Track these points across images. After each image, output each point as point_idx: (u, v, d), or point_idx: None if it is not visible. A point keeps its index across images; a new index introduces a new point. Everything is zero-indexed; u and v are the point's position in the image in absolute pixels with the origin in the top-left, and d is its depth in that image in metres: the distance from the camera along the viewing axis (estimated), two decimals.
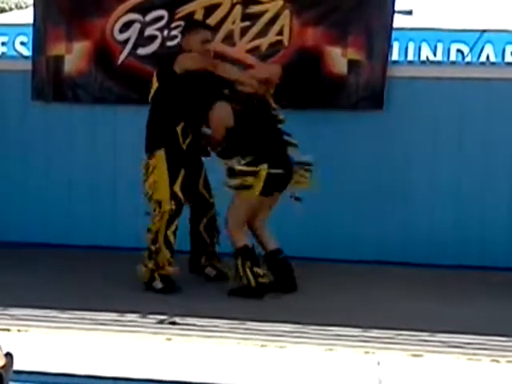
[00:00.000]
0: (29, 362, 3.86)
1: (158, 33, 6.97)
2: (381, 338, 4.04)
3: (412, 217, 6.73)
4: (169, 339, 3.94)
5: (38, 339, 3.99)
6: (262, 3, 6.81)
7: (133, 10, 7.00)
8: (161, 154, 5.58)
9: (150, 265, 5.44)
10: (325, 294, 5.45)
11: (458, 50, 6.78)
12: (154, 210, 5.59)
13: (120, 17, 7.02)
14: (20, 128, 7.21)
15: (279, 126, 5.64)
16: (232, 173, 5.42)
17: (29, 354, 3.89)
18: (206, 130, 5.75)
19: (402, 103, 6.70)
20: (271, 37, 6.75)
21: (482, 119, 6.65)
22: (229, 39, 6.87)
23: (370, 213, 6.75)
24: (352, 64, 6.71)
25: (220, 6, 6.86)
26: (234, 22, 6.86)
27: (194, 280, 5.73)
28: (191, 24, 6.20)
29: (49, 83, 7.14)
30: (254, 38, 6.83)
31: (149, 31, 6.98)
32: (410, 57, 6.84)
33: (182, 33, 5.99)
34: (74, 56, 7.08)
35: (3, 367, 2.27)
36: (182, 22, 6.91)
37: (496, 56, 6.71)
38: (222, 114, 5.54)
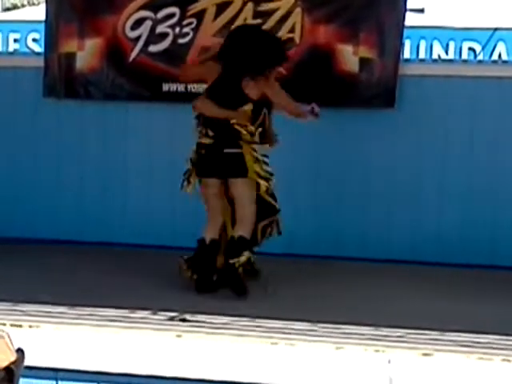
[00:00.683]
0: (40, 357, 3.88)
1: (169, 30, 6.97)
2: (391, 337, 4.03)
3: (422, 216, 6.72)
4: (179, 336, 3.95)
5: (48, 335, 4.00)
6: (273, 1, 6.80)
7: (144, 7, 7.00)
8: None
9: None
10: (335, 293, 5.45)
11: (470, 49, 6.75)
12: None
13: (132, 14, 7.03)
14: (32, 124, 7.23)
15: None
16: None
17: (40, 350, 3.91)
18: None
19: (413, 101, 6.68)
20: (283, 34, 6.73)
21: (494, 118, 6.63)
22: None
23: (380, 212, 6.74)
24: (363, 62, 6.70)
25: (231, 4, 6.86)
26: (245, 20, 6.86)
27: None
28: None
29: (60, 80, 7.16)
30: None
31: (160, 28, 6.99)
32: (422, 55, 6.81)
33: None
34: (86, 53, 7.09)
35: (14, 363, 2.28)
36: (193, 20, 6.92)
37: (508, 54, 6.68)
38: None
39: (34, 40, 7.31)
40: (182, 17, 6.94)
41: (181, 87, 6.95)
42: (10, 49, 7.31)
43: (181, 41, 6.95)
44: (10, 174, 7.22)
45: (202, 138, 5.69)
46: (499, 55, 6.70)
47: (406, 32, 6.67)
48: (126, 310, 4.40)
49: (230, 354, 3.85)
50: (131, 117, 7.10)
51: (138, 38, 7.01)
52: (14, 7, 10.44)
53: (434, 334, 4.11)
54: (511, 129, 6.61)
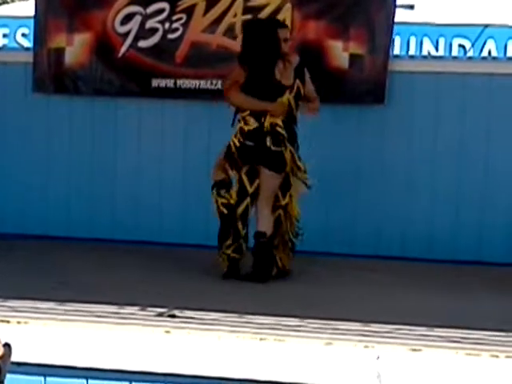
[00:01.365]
0: (28, 353, 3.86)
1: (159, 25, 6.96)
2: (380, 333, 4.04)
3: (412, 212, 6.72)
4: (167, 332, 3.94)
5: (37, 331, 3.98)
6: None
7: (134, 2, 6.99)
8: None
9: None
10: (323, 289, 5.45)
11: (460, 45, 6.77)
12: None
13: (121, 9, 7.01)
14: (21, 120, 7.20)
15: None
16: None
17: (28, 346, 3.89)
18: None
19: (403, 98, 6.69)
20: None
21: (484, 114, 6.64)
22: (230, 32, 6.86)
23: (370, 208, 6.75)
24: (353, 58, 6.70)
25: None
26: (235, 16, 6.85)
27: (193, 273, 5.74)
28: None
29: (50, 75, 7.14)
30: None
31: (150, 24, 6.97)
32: (412, 51, 6.82)
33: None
34: (75, 48, 7.07)
35: (1, 357, 2.27)
36: (183, 15, 6.91)
37: (498, 51, 6.70)
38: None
39: (23, 35, 7.28)
40: (172, 12, 6.93)
41: (170, 83, 6.94)
42: None
43: (170, 36, 6.94)
44: None
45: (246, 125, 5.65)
46: (489, 52, 6.71)
47: (395, 28, 6.68)
48: (115, 306, 4.39)
49: (218, 350, 3.84)
50: (120, 112, 7.09)
51: (127, 34, 7.00)
52: (3, 2, 10.40)
53: (423, 330, 4.11)
54: (501, 125, 6.63)
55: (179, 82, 6.92)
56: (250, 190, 5.66)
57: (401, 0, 6.80)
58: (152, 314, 4.29)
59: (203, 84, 6.88)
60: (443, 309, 4.89)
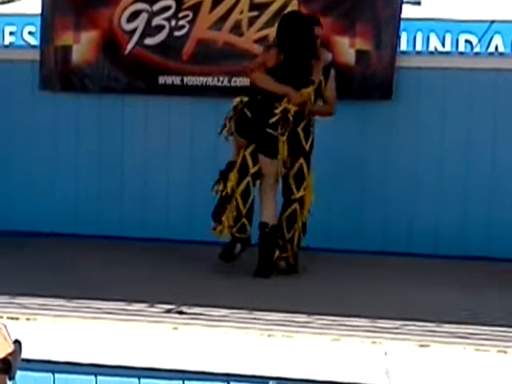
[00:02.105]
0: (37, 350, 3.88)
1: (165, 22, 6.96)
2: (388, 329, 4.04)
3: (419, 208, 6.72)
4: (175, 328, 3.94)
5: (46, 328, 4.00)
6: None
7: None
8: None
9: None
10: (330, 285, 5.45)
11: (467, 41, 6.76)
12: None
13: (127, 6, 7.02)
14: (28, 118, 7.22)
15: None
16: None
17: (37, 343, 3.91)
18: None
19: (410, 94, 6.68)
20: None
21: (491, 110, 6.63)
22: (236, 29, 6.87)
23: (376, 203, 6.75)
24: (360, 54, 6.70)
25: None
26: (241, 12, 6.85)
27: (201, 270, 5.74)
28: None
29: (57, 73, 7.15)
30: (261, 28, 6.82)
31: (156, 21, 6.98)
32: (419, 47, 6.81)
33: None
34: (82, 46, 7.08)
35: (12, 354, 2.27)
36: (189, 12, 6.91)
37: (505, 47, 6.69)
38: None
39: (30, 33, 7.29)
40: (178, 9, 6.93)
41: (177, 80, 6.95)
42: (6, 42, 7.31)
43: (177, 33, 6.94)
44: (6, 167, 7.21)
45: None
46: (496, 47, 6.70)
47: (402, 24, 6.67)
48: (123, 303, 4.40)
49: (226, 347, 3.85)
50: (127, 109, 7.09)
51: (133, 31, 7.01)
52: (10, 0, 10.40)
53: (431, 326, 4.11)
54: (508, 120, 6.62)
55: (186, 79, 6.92)
56: (252, 169, 5.65)
57: None
58: (160, 310, 4.30)
59: (210, 81, 6.89)
60: (451, 304, 4.88)
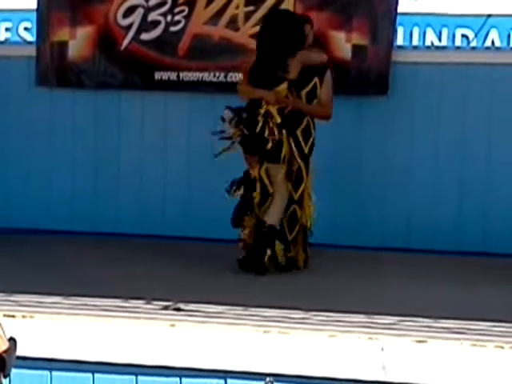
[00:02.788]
0: (34, 348, 3.88)
1: (161, 18, 6.95)
2: (384, 324, 4.04)
3: (415, 203, 6.72)
4: (173, 325, 3.94)
5: (42, 325, 4.00)
6: None
7: None
8: None
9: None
10: (327, 281, 5.46)
11: (463, 35, 6.75)
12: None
13: (123, 2, 7.01)
14: (24, 114, 7.21)
15: None
16: None
17: (33, 341, 3.91)
18: None
19: (406, 88, 6.67)
20: None
21: (487, 104, 6.63)
22: (232, 24, 6.86)
23: (373, 198, 6.75)
24: (356, 49, 6.69)
25: None
26: (237, 7, 6.84)
27: (198, 266, 5.74)
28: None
29: (53, 69, 7.14)
30: (257, 23, 6.78)
31: (152, 16, 6.97)
32: (415, 42, 6.81)
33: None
34: (78, 41, 7.07)
35: (6, 351, 2.28)
36: (185, 7, 6.90)
37: (501, 41, 6.68)
38: None
39: (26, 29, 7.28)
40: (174, 4, 6.92)
41: (173, 76, 6.94)
42: (2, 38, 7.30)
43: (173, 29, 6.93)
44: (2, 163, 7.20)
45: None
46: (492, 42, 6.69)
47: (398, 19, 6.66)
48: (120, 300, 4.40)
49: (223, 343, 3.85)
50: (124, 105, 7.09)
51: (129, 26, 7.00)
52: None
53: (428, 322, 4.11)
54: (504, 115, 6.61)
55: (182, 74, 6.91)
56: (271, 190, 5.65)
57: None
58: (157, 307, 4.30)
59: (206, 76, 6.88)
60: (448, 300, 4.89)
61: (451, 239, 6.59)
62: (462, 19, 6.72)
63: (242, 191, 5.66)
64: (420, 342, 3.77)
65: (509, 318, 4.21)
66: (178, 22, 6.90)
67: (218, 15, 6.86)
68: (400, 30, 6.77)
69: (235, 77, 6.72)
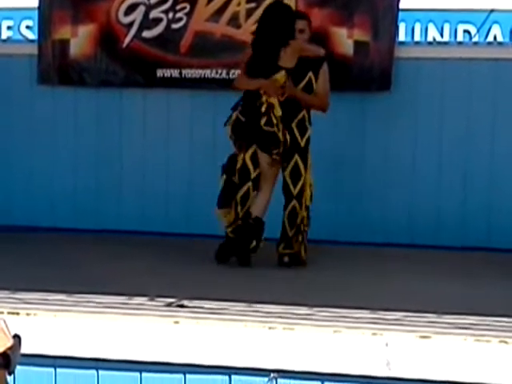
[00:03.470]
0: (38, 345, 3.88)
1: (163, 15, 6.95)
2: (389, 320, 4.04)
3: (419, 199, 6.71)
4: (176, 322, 3.94)
5: (46, 323, 4.00)
6: None
7: None
8: None
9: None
10: (331, 277, 5.45)
11: (465, 31, 6.74)
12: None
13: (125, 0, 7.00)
14: (26, 112, 7.20)
15: None
16: None
17: (38, 338, 3.91)
18: None
19: (408, 84, 6.67)
20: None
21: (489, 100, 6.62)
22: (234, 21, 6.85)
23: (376, 194, 6.74)
24: (358, 45, 6.68)
25: None
26: (239, 4, 6.84)
27: (201, 263, 5.74)
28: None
29: (54, 67, 7.14)
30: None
31: (154, 14, 6.96)
32: (417, 38, 6.80)
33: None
34: (80, 39, 7.07)
35: (11, 348, 2.27)
36: (186, 5, 6.90)
37: (503, 36, 6.67)
38: None
39: (28, 27, 7.28)
40: (176, 2, 6.92)
41: (175, 73, 6.94)
42: (4, 36, 7.29)
43: (174, 26, 6.93)
44: (5, 161, 7.20)
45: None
46: (494, 37, 6.68)
47: (400, 15, 6.65)
48: (124, 297, 4.39)
49: (227, 340, 3.85)
50: (125, 103, 7.09)
51: (131, 24, 6.99)
52: None
53: (432, 317, 4.11)
54: (507, 110, 6.60)
55: (184, 71, 6.91)
56: (253, 174, 5.66)
57: None
58: (161, 304, 4.29)
59: (208, 73, 6.87)
60: (452, 295, 4.88)
61: (455, 234, 6.59)
62: (464, 14, 6.71)
63: (224, 176, 5.68)
64: (424, 337, 3.76)
65: None
66: (180, 19, 6.90)
67: (219, 12, 6.86)
68: (402, 26, 6.76)
69: (237, 74, 6.71)
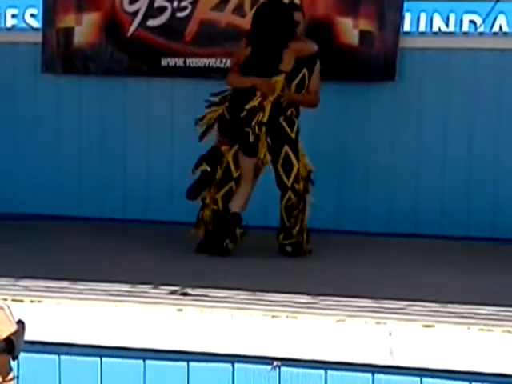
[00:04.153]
0: (42, 332, 3.89)
1: (167, 4, 6.93)
2: (392, 309, 4.04)
3: (424, 189, 6.71)
4: (180, 310, 3.95)
5: (50, 310, 4.01)
6: None
7: None
8: None
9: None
10: (335, 266, 5.46)
11: (471, 21, 6.72)
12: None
13: None
14: (30, 100, 7.21)
15: None
16: None
17: (41, 325, 3.92)
18: None
19: (414, 74, 6.65)
20: None
21: (495, 90, 6.60)
22: (239, 10, 6.83)
23: (381, 185, 6.74)
24: (363, 35, 6.67)
25: None
26: None
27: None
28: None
29: (59, 55, 7.13)
30: None
31: (158, 2, 6.95)
32: (422, 28, 6.78)
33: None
34: (84, 28, 7.06)
35: (14, 334, 2.28)
36: None
37: (509, 26, 6.65)
38: None
39: (32, 15, 7.27)
40: None
41: (179, 62, 6.93)
42: (8, 24, 7.28)
43: (179, 14, 6.91)
44: (10, 150, 7.21)
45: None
46: (500, 27, 6.66)
47: (406, 5, 6.63)
48: (127, 285, 4.40)
49: (231, 328, 3.86)
50: (130, 91, 7.08)
51: (136, 12, 6.98)
52: None
53: (435, 306, 4.11)
54: None
55: (189, 60, 6.90)
56: (235, 174, 5.67)
57: None
58: (164, 292, 4.30)
59: (213, 62, 6.86)
60: (455, 285, 4.89)
61: (459, 224, 6.59)
62: (469, 4, 6.68)
63: (205, 166, 5.68)
64: (428, 326, 3.77)
65: None
66: (185, 7, 6.88)
67: (224, 1, 6.84)
68: (407, 16, 6.74)
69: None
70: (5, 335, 2.27)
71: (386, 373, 3.73)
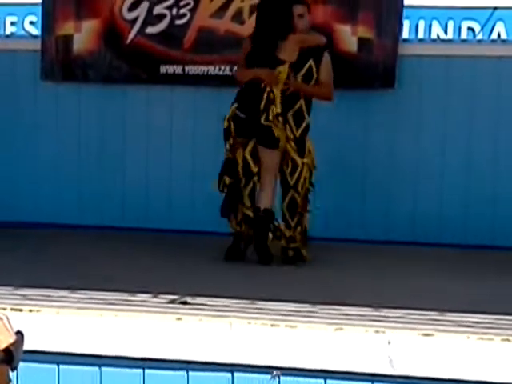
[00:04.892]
0: (41, 342, 3.88)
1: (166, 11, 6.94)
2: (391, 318, 4.04)
3: (422, 196, 6.71)
4: (179, 319, 3.95)
5: (49, 319, 4.00)
6: None
7: None
8: None
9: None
10: (334, 274, 5.45)
11: (469, 28, 6.73)
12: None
13: None
14: (30, 108, 7.21)
15: None
16: None
17: (40, 334, 3.91)
18: None
19: (412, 82, 6.66)
20: None
21: (493, 97, 6.61)
22: (238, 17, 6.85)
23: (380, 192, 6.74)
24: (362, 42, 6.68)
25: None
26: (243, 0, 6.83)
27: (204, 260, 5.75)
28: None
29: (58, 63, 7.14)
30: None
31: (157, 10, 6.96)
32: (421, 35, 6.79)
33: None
34: (83, 35, 7.07)
35: (13, 344, 2.28)
36: (190, 1, 6.89)
37: (507, 34, 6.66)
38: None
39: (31, 23, 7.28)
40: None
41: (178, 69, 6.94)
42: (7, 32, 7.29)
43: (178, 22, 6.92)
44: (9, 157, 7.21)
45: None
46: (498, 34, 6.68)
47: (404, 12, 6.64)
48: (127, 294, 4.40)
49: (230, 337, 3.85)
50: (129, 99, 7.08)
51: (135, 20, 6.99)
52: None
53: (434, 315, 4.11)
54: (510, 108, 6.60)
55: (187, 68, 6.91)
56: (255, 169, 5.67)
57: None
58: (164, 300, 4.30)
59: (211, 70, 6.87)
60: (455, 293, 4.88)
61: (458, 232, 6.59)
62: (468, 12, 6.70)
63: (227, 180, 5.68)
64: (427, 335, 3.76)
65: None
66: (184, 15, 6.89)
67: (223, 8, 6.85)
68: (406, 23, 6.75)
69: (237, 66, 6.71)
70: (4, 346, 2.27)
71: (385, 381, 3.73)
